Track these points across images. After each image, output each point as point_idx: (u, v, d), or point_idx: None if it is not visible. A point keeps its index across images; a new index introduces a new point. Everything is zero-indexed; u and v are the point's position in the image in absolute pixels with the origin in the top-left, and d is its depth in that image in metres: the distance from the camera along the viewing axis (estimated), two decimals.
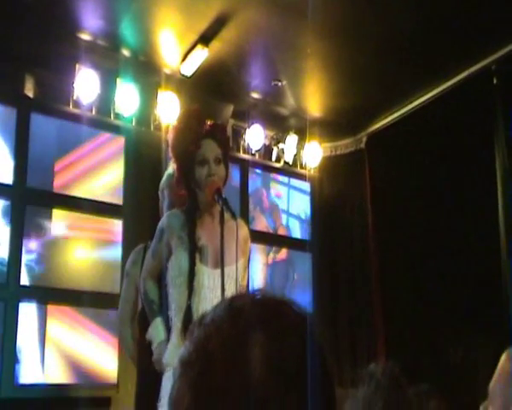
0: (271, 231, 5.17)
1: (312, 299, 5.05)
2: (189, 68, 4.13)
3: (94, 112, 4.06)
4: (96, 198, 4.15)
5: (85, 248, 4.13)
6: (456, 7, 3.54)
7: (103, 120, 4.15)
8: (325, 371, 0.67)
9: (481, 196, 4.11)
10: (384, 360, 1.20)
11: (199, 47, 3.96)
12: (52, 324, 3.86)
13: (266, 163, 5.06)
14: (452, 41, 3.83)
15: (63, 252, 4.03)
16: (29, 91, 3.89)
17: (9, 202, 3.81)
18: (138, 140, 4.28)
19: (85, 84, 3.92)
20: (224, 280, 2.25)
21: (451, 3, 3.55)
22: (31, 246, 3.87)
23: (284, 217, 5.31)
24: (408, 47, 3.89)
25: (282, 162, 5.06)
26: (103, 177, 4.25)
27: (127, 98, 4.08)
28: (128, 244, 3.67)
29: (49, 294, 3.88)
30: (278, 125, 4.97)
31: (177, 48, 4.06)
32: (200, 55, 4.01)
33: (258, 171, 5.14)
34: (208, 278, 2.28)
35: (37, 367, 3.76)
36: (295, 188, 5.37)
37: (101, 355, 3.97)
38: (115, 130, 4.25)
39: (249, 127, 4.75)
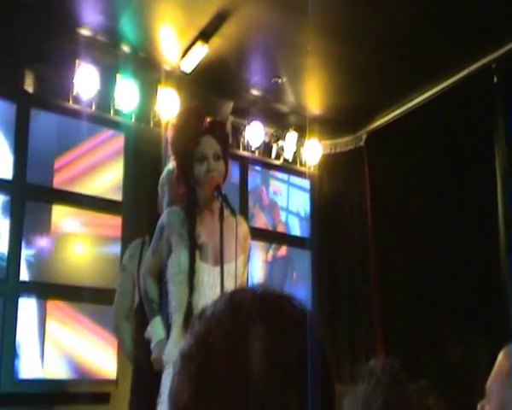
0: (271, 228, 5.17)
1: (312, 296, 5.05)
2: (189, 65, 4.13)
3: (93, 108, 4.06)
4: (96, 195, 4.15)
5: (85, 244, 4.13)
6: (457, 5, 3.54)
7: (103, 116, 4.14)
8: (325, 365, 0.67)
9: (481, 194, 4.11)
10: (383, 357, 1.20)
11: (199, 43, 3.95)
12: (52, 319, 3.86)
13: (266, 160, 5.06)
14: (452, 39, 3.83)
15: (63, 248, 4.03)
16: (29, 87, 3.88)
17: (9, 198, 3.81)
18: (138, 136, 4.27)
19: (85, 80, 3.91)
20: (223, 277, 2.25)
21: (452, 1, 3.55)
22: (30, 241, 3.87)
23: (283, 214, 5.31)
24: (408, 45, 3.88)
25: (281, 159, 5.06)
26: (103, 176, 4.24)
27: (127, 94, 4.08)
28: (128, 240, 3.66)
29: (49, 289, 3.89)
30: (278, 122, 4.96)
31: (176, 44, 4.05)
32: (200, 52, 4.00)
33: (257, 168, 5.14)
34: (208, 275, 2.28)
35: (36, 362, 3.76)
36: (295, 185, 5.37)
37: (101, 351, 3.97)
38: (115, 126, 4.25)
39: (249, 124, 4.75)
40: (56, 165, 4.08)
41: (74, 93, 3.96)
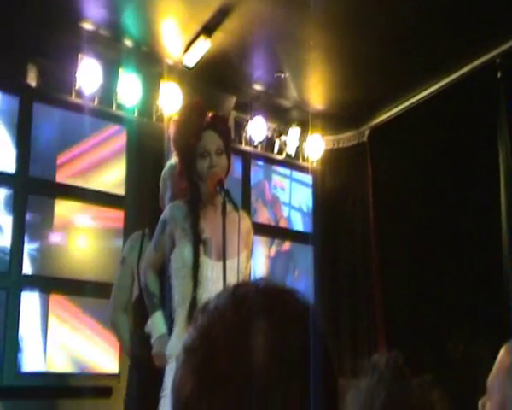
0: (273, 223, 5.17)
1: (314, 291, 5.06)
2: (192, 59, 4.12)
3: (96, 102, 4.06)
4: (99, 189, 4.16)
5: (88, 238, 4.13)
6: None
7: (105, 110, 4.14)
8: (327, 359, 0.67)
9: (484, 190, 4.10)
10: (384, 353, 1.20)
11: (201, 38, 3.95)
12: (54, 313, 3.88)
13: (268, 155, 5.05)
14: (456, 34, 3.81)
15: (65, 241, 4.04)
16: (31, 81, 3.88)
17: (12, 192, 3.82)
18: (140, 131, 4.27)
19: (88, 74, 3.91)
20: (225, 272, 2.25)
21: None
22: (33, 235, 3.87)
23: (286, 209, 5.31)
24: (411, 39, 3.87)
25: (284, 155, 5.06)
26: (106, 171, 4.25)
27: (129, 89, 4.07)
28: (130, 234, 3.67)
29: (52, 283, 3.90)
30: (280, 117, 4.96)
31: (179, 38, 4.05)
32: (203, 46, 4.00)
33: (260, 163, 5.14)
34: (212, 270, 2.28)
35: (38, 356, 3.78)
36: (297, 180, 5.36)
37: (103, 345, 3.98)
38: (117, 120, 4.25)
39: (251, 119, 4.74)
40: (59, 159, 4.08)
41: (77, 87, 3.95)
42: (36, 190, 3.94)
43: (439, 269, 4.37)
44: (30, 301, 3.79)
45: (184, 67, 4.19)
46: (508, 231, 3.96)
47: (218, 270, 2.26)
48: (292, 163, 5.18)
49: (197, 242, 2.29)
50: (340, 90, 4.61)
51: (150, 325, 2.36)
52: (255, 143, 4.87)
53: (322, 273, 5.11)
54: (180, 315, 2.27)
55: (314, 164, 5.19)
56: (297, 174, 5.33)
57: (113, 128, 4.32)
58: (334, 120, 5.02)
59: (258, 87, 4.63)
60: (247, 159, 4.92)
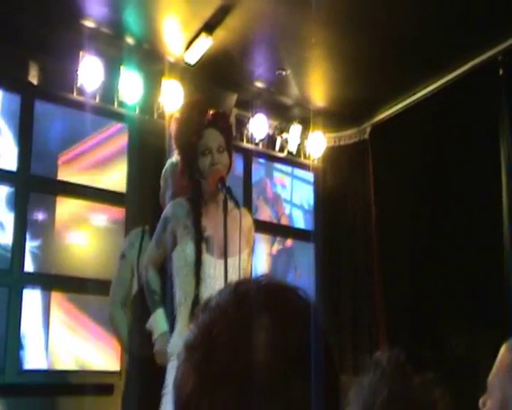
0: (275, 221, 5.17)
1: (315, 288, 5.06)
2: (193, 57, 4.12)
3: (97, 100, 4.06)
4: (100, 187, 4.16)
5: (89, 236, 4.14)
6: None
7: (107, 107, 4.14)
8: (329, 356, 0.67)
9: (485, 187, 4.10)
10: (385, 350, 1.20)
11: (203, 35, 3.94)
12: (56, 310, 3.88)
13: (270, 153, 5.05)
14: (457, 31, 3.80)
15: (67, 239, 4.04)
16: (33, 78, 3.88)
17: (13, 189, 3.82)
18: (141, 128, 4.27)
19: (89, 72, 3.91)
20: (227, 269, 2.25)
21: None
22: (35, 233, 3.88)
23: (287, 207, 5.31)
24: (413, 37, 3.86)
25: (285, 152, 5.06)
26: (107, 170, 4.25)
27: (131, 86, 4.07)
28: None
29: (53, 281, 3.90)
30: (282, 114, 4.95)
31: (181, 36, 4.04)
32: (205, 44, 3.99)
33: (261, 160, 5.14)
34: (214, 268, 2.28)
35: (40, 353, 3.78)
36: (299, 178, 5.36)
37: (105, 342, 3.99)
38: (119, 118, 4.25)
39: (253, 117, 4.74)
40: (61, 157, 4.08)
41: (78, 85, 3.95)
42: (37, 188, 3.94)
43: (440, 266, 4.37)
44: (32, 298, 3.80)
45: (186, 64, 4.19)
46: (509, 227, 3.96)
47: (221, 268, 2.26)
48: (293, 161, 5.18)
49: (199, 239, 2.29)
50: (342, 87, 4.61)
51: (152, 323, 2.35)
52: (256, 141, 4.87)
53: (323, 270, 5.11)
54: (182, 313, 2.27)
55: (315, 161, 5.19)
56: (298, 172, 5.33)
57: (114, 126, 4.32)
58: (336, 117, 5.01)
59: (259, 85, 4.62)
60: (248, 156, 4.92)
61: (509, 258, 3.91)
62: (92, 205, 4.13)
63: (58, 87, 3.97)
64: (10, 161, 3.83)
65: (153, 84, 4.18)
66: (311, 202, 5.34)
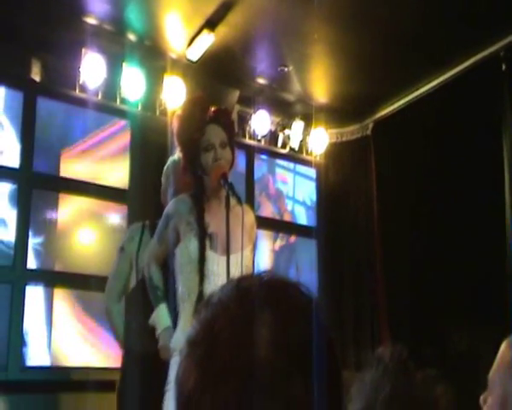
0: (277, 217, 5.17)
1: (317, 285, 5.06)
2: (195, 53, 4.11)
3: (100, 96, 4.06)
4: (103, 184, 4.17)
5: (92, 233, 4.14)
6: None
7: (109, 104, 4.14)
8: (331, 352, 0.67)
9: (487, 184, 4.09)
10: (388, 346, 1.20)
11: (205, 32, 3.94)
12: (58, 307, 3.89)
13: (272, 149, 5.05)
14: (460, 27, 3.79)
15: (69, 236, 4.05)
16: (35, 75, 3.88)
17: (16, 186, 3.83)
18: (144, 125, 4.27)
19: (91, 69, 3.91)
20: (229, 266, 2.25)
21: None
22: (37, 230, 3.88)
23: (290, 203, 5.31)
24: (415, 33, 3.85)
25: (287, 148, 5.05)
26: (109, 167, 4.25)
27: (133, 83, 4.07)
28: None
29: (56, 277, 3.91)
30: (284, 110, 4.95)
31: (183, 32, 4.04)
32: (207, 40, 3.99)
33: (263, 157, 5.14)
34: (218, 264, 2.28)
35: (43, 350, 3.79)
36: (301, 174, 5.36)
37: (107, 339, 3.99)
38: (121, 114, 4.25)
39: (255, 113, 4.73)
40: (63, 154, 4.09)
41: (80, 82, 3.95)
42: (40, 185, 3.94)
43: (441, 263, 4.36)
44: (34, 295, 3.81)
45: (188, 60, 4.18)
46: (511, 223, 3.95)
47: (224, 264, 2.26)
48: (295, 157, 5.18)
49: (203, 236, 2.29)
50: (344, 83, 4.60)
51: (155, 318, 2.35)
52: (259, 137, 4.86)
53: (325, 267, 5.11)
54: (186, 309, 2.26)
55: (318, 158, 5.19)
56: (301, 168, 5.32)
57: (117, 123, 4.33)
58: (338, 113, 5.01)
59: (261, 81, 4.61)
60: (250, 153, 4.92)
61: (510, 254, 3.91)
62: (94, 202, 4.13)
63: (60, 84, 3.97)
64: (13, 158, 3.84)
65: (155, 80, 4.18)
66: (314, 198, 5.34)
